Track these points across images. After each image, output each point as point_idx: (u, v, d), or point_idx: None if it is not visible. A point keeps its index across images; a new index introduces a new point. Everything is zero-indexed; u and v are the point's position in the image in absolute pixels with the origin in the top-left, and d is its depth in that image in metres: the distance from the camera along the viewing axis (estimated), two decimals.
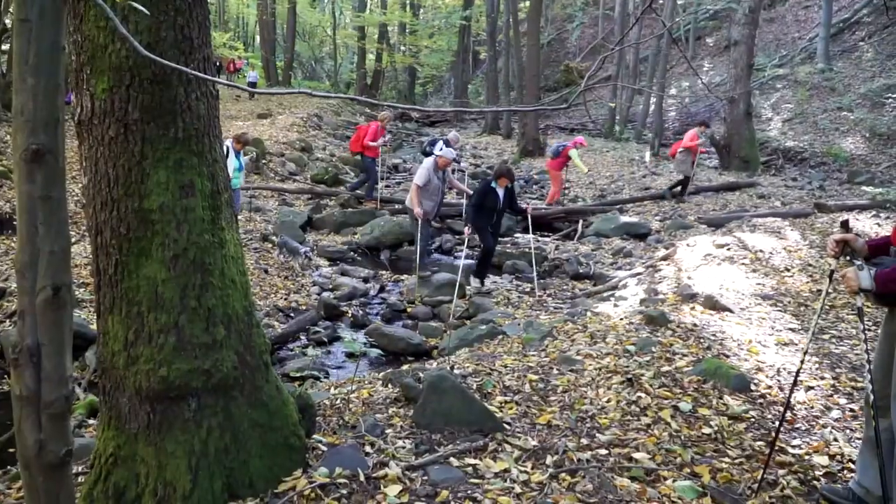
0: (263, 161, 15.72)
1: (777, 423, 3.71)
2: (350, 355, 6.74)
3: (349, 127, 27.42)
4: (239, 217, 10.64)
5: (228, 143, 9.64)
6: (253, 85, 27.09)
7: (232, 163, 9.45)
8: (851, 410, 3.97)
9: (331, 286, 9.31)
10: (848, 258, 2.85)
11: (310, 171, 16.43)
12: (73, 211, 9.92)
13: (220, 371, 2.81)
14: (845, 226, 2.97)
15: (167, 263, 2.74)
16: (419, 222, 9.44)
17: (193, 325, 2.77)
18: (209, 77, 2.73)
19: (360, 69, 39.43)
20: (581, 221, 12.78)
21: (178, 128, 2.77)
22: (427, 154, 14.28)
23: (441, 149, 13.95)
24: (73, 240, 8.42)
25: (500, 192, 8.96)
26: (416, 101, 43.29)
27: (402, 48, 45.20)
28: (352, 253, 11.26)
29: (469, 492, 3.00)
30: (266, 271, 9.38)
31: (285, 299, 8.64)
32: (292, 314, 8.22)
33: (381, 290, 9.47)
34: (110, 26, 2.60)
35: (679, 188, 13.65)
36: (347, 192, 14.09)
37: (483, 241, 9.27)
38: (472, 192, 10.74)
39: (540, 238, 12.32)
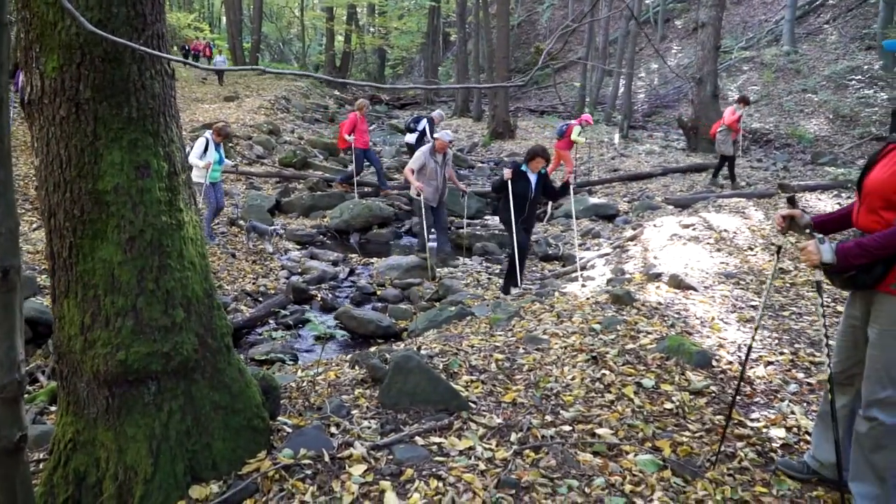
0: (231, 144, 15.50)
1: (732, 397, 3.79)
2: (319, 338, 6.72)
3: (318, 110, 27.18)
4: (225, 210, 10.42)
5: (208, 134, 9.46)
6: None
7: (211, 155, 9.26)
8: (809, 384, 4.06)
9: (300, 270, 9.25)
10: (808, 232, 2.90)
11: (278, 155, 16.26)
12: (33, 196, 9.71)
13: (180, 354, 2.78)
14: (792, 202, 3.03)
15: (123, 246, 2.69)
16: (421, 207, 9.10)
17: (152, 307, 2.73)
18: (163, 54, 2.68)
19: (329, 51, 38.96)
20: (550, 203, 12.83)
21: (131, 107, 2.71)
22: (410, 131, 14.17)
23: (423, 128, 13.81)
24: (33, 226, 8.22)
25: (533, 177, 7.69)
26: (386, 83, 43.00)
27: (372, 30, 44.81)
28: (321, 236, 11.19)
29: (434, 469, 3.01)
30: (234, 255, 9.29)
31: (254, 283, 8.57)
32: (261, 298, 8.16)
33: (351, 273, 9.44)
34: (59, 2, 2.52)
35: (725, 168, 12.66)
36: (337, 183, 13.77)
37: (512, 238, 7.78)
38: (466, 189, 10.42)
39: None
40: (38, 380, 5.63)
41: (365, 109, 13.54)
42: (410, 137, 14.15)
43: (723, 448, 3.25)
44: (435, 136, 9.25)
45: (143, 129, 2.75)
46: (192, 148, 9.35)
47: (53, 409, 4.67)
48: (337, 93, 34.08)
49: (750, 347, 3.25)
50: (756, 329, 3.27)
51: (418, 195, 9.09)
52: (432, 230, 9.68)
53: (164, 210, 2.80)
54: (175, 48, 36.81)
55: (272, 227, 10.06)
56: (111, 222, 2.70)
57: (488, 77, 24.51)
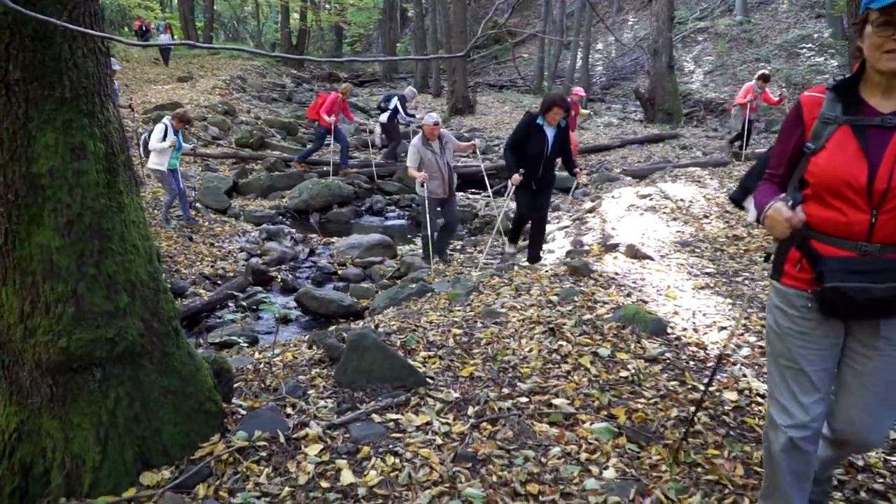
0: (186, 127, 15.17)
1: (699, 370, 3.86)
2: (280, 320, 6.66)
3: (275, 89, 26.70)
4: (188, 198, 10.17)
5: (167, 120, 9.23)
6: (167, 50, 25.81)
7: (170, 139, 9.04)
8: (760, 347, 4.14)
9: (259, 252, 9.14)
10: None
11: (234, 135, 15.96)
12: None
13: (125, 339, 2.71)
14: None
15: (61, 230, 2.60)
16: (425, 203, 7.76)
17: (93, 293, 2.66)
18: (96, 32, 2.58)
19: (285, 29, 38.18)
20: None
21: (64, 87, 2.60)
22: (382, 110, 13.97)
23: (395, 106, 13.56)
24: None
25: (550, 132, 6.62)
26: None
27: (328, 6, 44.01)
28: (280, 217, 11.06)
29: (391, 446, 3.01)
30: (191, 239, 9.13)
31: (212, 266, 8.44)
32: (219, 281, 8.05)
33: (311, 253, 9.36)
34: None
35: (738, 143, 12.06)
36: (296, 161, 13.48)
37: (517, 203, 7.09)
38: (476, 143, 8.84)
39: (470, 195, 12.36)
40: None
41: (347, 94, 13.46)
42: (383, 117, 13.91)
43: (676, 413, 3.30)
44: (422, 123, 8.08)
45: (78, 110, 2.65)
46: (150, 134, 9.16)
47: None
48: (294, 71, 33.50)
49: (719, 359, 3.12)
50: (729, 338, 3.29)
51: (423, 187, 7.83)
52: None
53: (103, 192, 2.71)
54: (126, 28, 35.70)
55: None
56: (47, 206, 2.60)
57: (446, 52, 24.32)
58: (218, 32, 43.17)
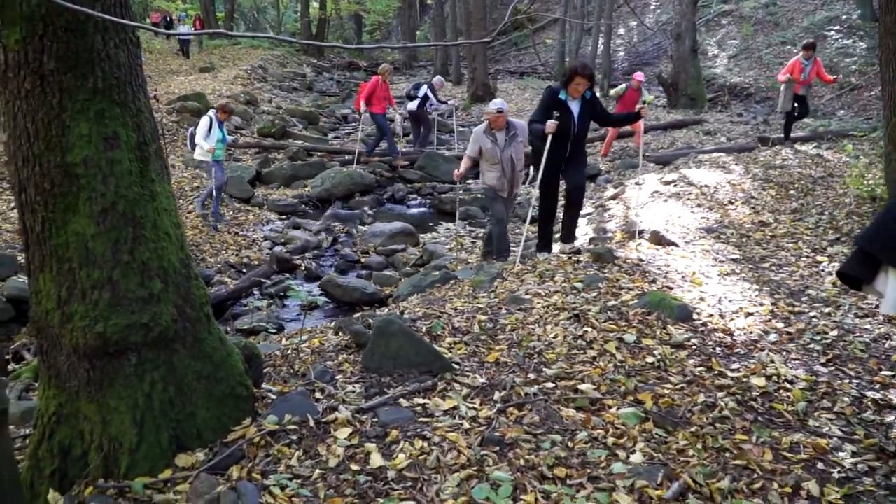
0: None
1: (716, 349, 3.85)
2: (304, 308, 6.73)
3: (295, 78, 26.80)
4: (224, 190, 10.26)
5: (212, 113, 9.41)
6: (187, 42, 26.04)
7: (215, 134, 9.21)
8: (788, 333, 4.12)
9: (282, 240, 9.22)
10: None
11: (256, 125, 16.06)
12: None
13: (159, 325, 2.77)
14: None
15: (96, 218, 2.66)
16: (489, 197, 7.23)
17: (128, 279, 2.71)
18: (127, 21, 2.62)
19: (304, 18, 38.23)
20: (532, 166, 12.78)
21: (97, 77, 2.65)
22: (411, 98, 13.88)
23: (425, 93, 13.43)
24: (12, 205, 8.13)
25: (575, 105, 5.98)
26: (363, 50, 42.42)
27: None
28: (303, 206, 11.13)
29: (419, 430, 3.04)
30: (216, 228, 9.23)
31: (237, 255, 8.54)
32: (244, 270, 8.14)
33: (334, 241, 9.42)
34: None
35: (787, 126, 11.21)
36: (368, 158, 13.07)
37: (541, 192, 6.42)
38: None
39: None
40: (24, 357, 5.62)
41: (387, 75, 13.20)
42: (412, 105, 13.71)
43: (703, 398, 3.30)
44: (485, 110, 7.29)
45: (110, 100, 2.70)
46: (196, 127, 9.35)
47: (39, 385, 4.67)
48: (314, 60, 33.56)
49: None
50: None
51: (463, 181, 7.32)
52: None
53: (136, 181, 2.76)
54: (147, 20, 35.95)
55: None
56: (82, 195, 2.66)
57: (466, 39, 24.21)
58: (238, 23, 43.32)
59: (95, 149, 2.66)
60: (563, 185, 6.60)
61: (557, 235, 7.05)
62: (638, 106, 5.90)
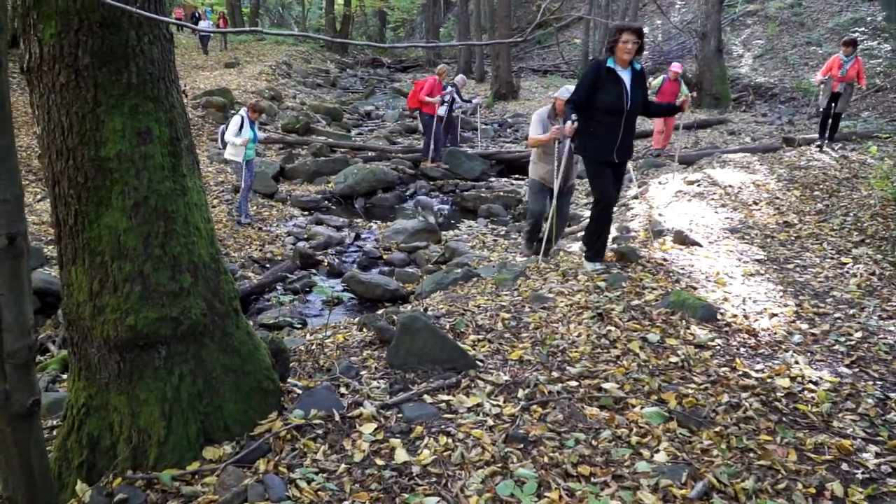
0: (232, 111, 15.43)
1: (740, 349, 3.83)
2: (327, 303, 6.77)
3: (319, 74, 26.93)
4: (229, 177, 10.38)
5: (243, 112, 9.47)
6: (206, 38, 26.26)
7: (247, 133, 9.26)
8: (812, 335, 4.08)
9: (305, 236, 9.29)
10: None
11: (280, 121, 16.17)
12: (36, 167, 9.72)
13: (188, 318, 2.81)
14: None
15: (128, 212, 2.70)
16: (534, 191, 6.79)
17: (159, 273, 2.75)
18: (161, 18, 2.65)
19: (329, 14, 38.42)
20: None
21: (131, 73, 2.69)
22: (441, 103, 13.80)
23: (452, 96, 13.28)
24: (38, 197, 8.26)
25: (626, 75, 5.04)
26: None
27: None
28: (326, 202, 11.20)
29: (443, 426, 3.06)
30: (239, 223, 9.31)
31: (260, 250, 8.61)
32: (268, 265, 8.21)
33: (357, 238, 9.47)
34: None
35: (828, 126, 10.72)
36: (425, 162, 12.96)
37: (596, 186, 5.34)
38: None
39: (513, 181, 12.34)
40: (49, 349, 5.71)
41: (444, 76, 13.06)
42: (441, 110, 13.06)
43: (727, 399, 3.29)
44: (555, 94, 6.56)
45: (144, 95, 2.74)
46: (227, 125, 9.43)
47: (65, 376, 4.75)
48: (338, 57, 33.71)
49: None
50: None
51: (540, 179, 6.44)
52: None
53: (168, 176, 2.80)
54: (171, 16, 36.31)
55: (436, 205, 9.54)
56: (115, 189, 2.70)
57: (490, 37, 24.19)
58: (263, 18, 43.61)
59: (129, 143, 2.70)
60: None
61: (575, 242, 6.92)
62: (680, 98, 5.23)
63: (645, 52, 25.64)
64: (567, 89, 6.04)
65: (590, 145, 5.19)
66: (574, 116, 5.00)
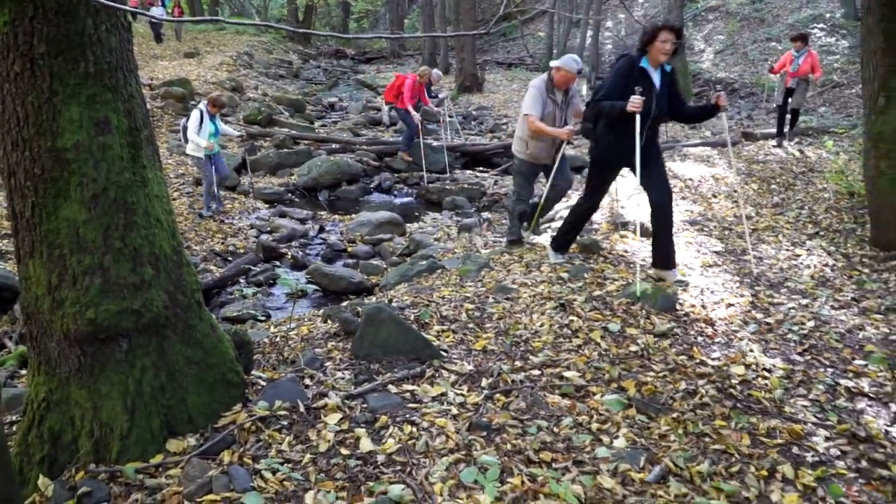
0: (192, 102, 15.20)
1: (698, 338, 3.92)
2: (291, 296, 6.74)
3: (282, 65, 26.64)
4: (190, 170, 10.20)
5: (202, 106, 9.30)
6: (158, 26, 25.67)
7: (207, 127, 9.11)
8: (767, 324, 4.20)
9: (269, 228, 9.21)
10: None
11: (242, 112, 15.96)
12: None
13: (150, 311, 2.79)
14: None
15: (87, 203, 2.67)
16: (522, 173, 6.18)
17: (119, 265, 2.73)
18: (118, 5, 2.62)
19: (291, 4, 37.98)
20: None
21: (88, 61, 2.65)
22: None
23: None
24: None
25: (656, 76, 4.71)
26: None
27: None
28: (289, 194, 11.11)
29: (407, 416, 3.09)
30: (201, 215, 9.19)
31: (222, 243, 8.52)
32: (230, 258, 8.13)
33: (321, 230, 9.41)
34: None
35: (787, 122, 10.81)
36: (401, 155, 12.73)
37: (589, 185, 5.20)
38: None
39: (479, 173, 12.38)
40: (6, 345, 5.59)
41: (426, 77, 12.83)
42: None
43: (685, 386, 3.38)
44: (555, 64, 5.84)
45: (101, 85, 2.70)
46: (188, 120, 9.26)
47: (24, 372, 4.66)
48: (301, 48, 33.36)
49: None
50: None
51: (521, 156, 5.97)
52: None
53: (127, 167, 2.77)
54: (126, 3, 35.47)
55: (482, 221, 8.96)
56: (73, 180, 2.67)
57: (455, 29, 24.19)
58: (223, 7, 42.94)
59: (86, 134, 2.66)
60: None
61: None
62: (714, 95, 4.72)
63: (609, 46, 25.96)
64: (573, 59, 5.75)
65: (604, 147, 4.89)
66: (639, 88, 4.53)
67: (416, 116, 12.25)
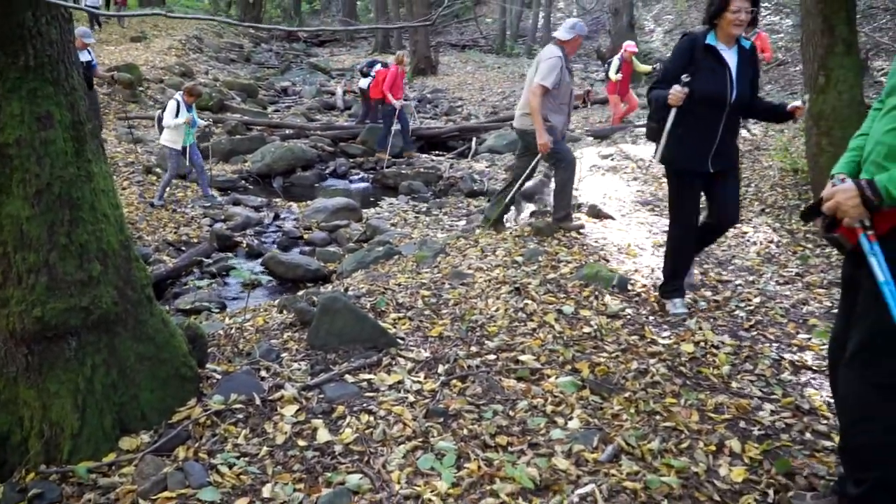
0: (140, 88, 14.83)
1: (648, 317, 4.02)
2: (246, 286, 6.68)
3: (233, 49, 26.12)
4: (139, 158, 9.99)
5: (178, 96, 9.10)
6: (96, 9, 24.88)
7: (184, 117, 8.92)
8: (715, 301, 4.32)
9: (223, 217, 9.08)
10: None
11: None
12: None
13: (99, 307, 2.75)
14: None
15: (30, 200, 2.61)
16: (533, 150, 5.69)
17: (66, 262, 2.67)
18: (60, 2, 2.56)
19: None
20: (475, 139, 12.88)
21: (28, 55, 2.58)
22: (364, 75, 13.40)
23: (374, 71, 12.80)
24: None
25: (731, 57, 3.80)
26: (303, 20, 41.47)
27: None
28: (243, 182, 10.98)
29: (364, 405, 3.11)
30: (152, 205, 9.02)
31: (175, 233, 8.38)
32: (183, 248, 8.00)
33: (276, 217, 9.33)
34: None
35: None
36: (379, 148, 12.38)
37: (677, 206, 4.14)
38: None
39: (434, 157, 12.38)
40: None
41: (405, 62, 12.61)
42: (364, 82, 13.29)
43: (636, 365, 3.46)
44: (565, 34, 5.49)
45: (43, 78, 2.64)
46: (163, 111, 9.09)
47: None
48: (252, 31, 32.70)
49: None
50: None
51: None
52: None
53: (71, 161, 2.71)
54: None
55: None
56: (15, 176, 2.60)
57: (408, 11, 24.00)
58: None
59: (28, 129, 2.60)
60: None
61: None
62: (794, 104, 3.76)
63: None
64: (580, 23, 5.45)
65: (676, 151, 3.90)
66: (686, 76, 3.74)
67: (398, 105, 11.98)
